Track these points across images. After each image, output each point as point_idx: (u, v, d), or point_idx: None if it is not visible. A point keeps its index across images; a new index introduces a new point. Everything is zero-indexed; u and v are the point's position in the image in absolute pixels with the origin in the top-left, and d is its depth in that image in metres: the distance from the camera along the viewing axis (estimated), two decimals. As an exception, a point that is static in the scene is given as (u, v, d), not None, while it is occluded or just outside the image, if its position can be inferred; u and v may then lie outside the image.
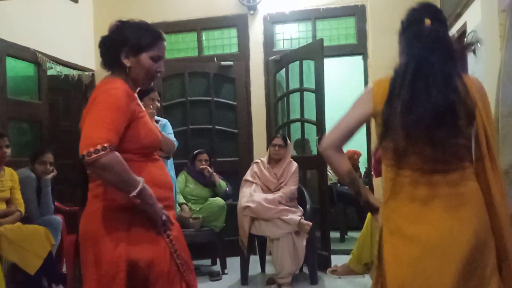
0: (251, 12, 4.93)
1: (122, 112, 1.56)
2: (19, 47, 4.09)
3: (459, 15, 3.78)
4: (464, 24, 3.66)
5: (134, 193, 1.51)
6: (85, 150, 1.46)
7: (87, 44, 4.99)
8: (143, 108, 1.74)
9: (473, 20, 3.41)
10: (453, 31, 3.93)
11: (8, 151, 3.33)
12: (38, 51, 4.26)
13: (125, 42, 1.64)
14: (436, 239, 1.47)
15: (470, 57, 3.54)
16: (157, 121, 3.49)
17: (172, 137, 3.51)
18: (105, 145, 1.46)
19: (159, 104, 3.46)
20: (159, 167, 1.74)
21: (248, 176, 3.93)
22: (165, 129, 3.52)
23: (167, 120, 3.61)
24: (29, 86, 4.35)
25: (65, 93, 5.11)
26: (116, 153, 1.50)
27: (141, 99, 3.52)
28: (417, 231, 1.49)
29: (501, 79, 2.33)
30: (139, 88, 1.77)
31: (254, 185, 3.83)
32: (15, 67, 4.14)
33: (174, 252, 1.65)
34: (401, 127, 1.46)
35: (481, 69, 3.16)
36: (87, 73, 5.01)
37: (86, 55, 4.96)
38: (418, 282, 1.46)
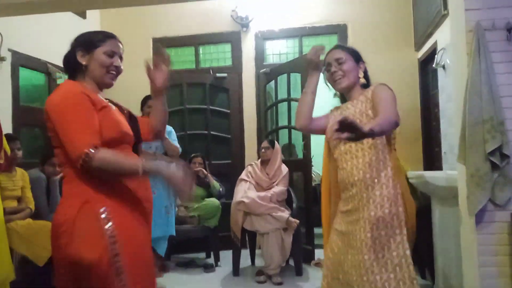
0: (244, 29, 4.94)
1: (87, 109, 1.45)
2: (31, 59, 4.05)
3: (430, 34, 3.83)
4: (435, 43, 3.71)
5: (140, 174, 1.41)
6: (77, 161, 1.37)
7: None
8: (105, 101, 1.58)
9: (443, 39, 3.45)
10: (425, 48, 3.98)
11: (20, 153, 3.30)
12: (48, 62, 4.22)
13: (79, 43, 1.58)
14: None
15: (440, 72, 3.59)
16: None
17: (176, 143, 3.50)
18: (90, 149, 1.37)
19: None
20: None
21: (243, 175, 3.96)
22: (171, 135, 3.51)
23: (172, 128, 3.60)
24: (40, 94, 4.31)
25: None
26: (102, 150, 1.39)
27: (141, 109, 3.53)
28: None
29: (467, 93, 2.36)
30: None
31: (248, 183, 3.86)
32: (27, 77, 4.11)
33: (114, 256, 1.40)
34: None
35: (450, 83, 3.20)
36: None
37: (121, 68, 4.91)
38: None
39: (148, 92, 4.53)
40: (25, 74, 4.04)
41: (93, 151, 1.37)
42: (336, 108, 2.03)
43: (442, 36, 3.49)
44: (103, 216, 1.42)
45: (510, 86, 2.36)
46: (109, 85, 1.62)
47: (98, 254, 1.39)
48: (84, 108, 1.45)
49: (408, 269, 1.65)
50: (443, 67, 3.48)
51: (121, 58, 1.64)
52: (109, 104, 1.59)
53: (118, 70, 1.62)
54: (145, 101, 3.49)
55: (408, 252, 1.66)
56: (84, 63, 1.56)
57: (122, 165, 1.43)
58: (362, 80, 1.89)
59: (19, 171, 3.33)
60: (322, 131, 2.04)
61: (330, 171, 1.99)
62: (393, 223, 1.68)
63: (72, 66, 1.59)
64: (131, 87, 4.89)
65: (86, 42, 1.57)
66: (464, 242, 2.53)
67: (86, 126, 1.42)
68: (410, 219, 1.79)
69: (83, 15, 4.83)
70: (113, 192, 1.48)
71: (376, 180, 1.73)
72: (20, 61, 3.93)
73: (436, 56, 3.56)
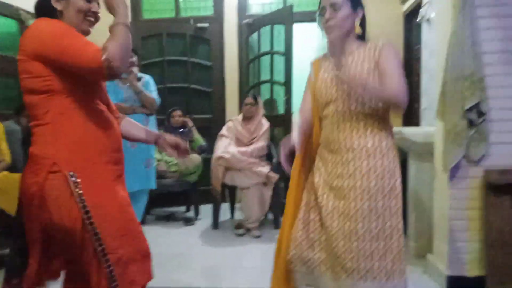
0: (226, -24, 4.73)
1: (77, 33, 1.40)
2: (2, 4, 3.83)
3: (416, -14, 3.73)
4: (421, -5, 3.62)
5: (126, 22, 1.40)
6: (102, 70, 1.31)
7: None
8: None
9: (429, -9, 3.36)
10: (410, 1, 3.89)
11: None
12: (20, 8, 4.00)
13: None
14: None
15: (424, 26, 3.53)
16: (139, 78, 3.37)
17: (155, 94, 3.40)
18: (103, 54, 1.31)
19: (134, 59, 3.32)
20: (109, 123, 1.52)
21: (223, 131, 3.93)
22: (148, 86, 3.41)
23: (150, 77, 3.49)
24: (12, 42, 4.12)
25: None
26: (105, 45, 1.34)
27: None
28: None
29: (450, 47, 2.33)
30: None
31: (228, 139, 3.84)
32: (3, 25, 3.89)
33: (87, 220, 1.37)
34: None
35: (434, 37, 3.16)
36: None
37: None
38: None
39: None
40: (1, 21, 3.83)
41: (106, 54, 1.31)
42: (323, 61, 1.83)
43: (429, -11, 3.40)
44: (72, 180, 1.37)
45: (493, 42, 2.34)
46: (86, 33, 1.51)
47: (72, 221, 1.36)
48: (76, 33, 1.39)
49: (398, 240, 1.64)
50: (428, 21, 3.42)
51: (98, 4, 1.54)
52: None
53: (96, 17, 1.53)
54: None
55: (401, 224, 1.66)
56: (59, 8, 1.46)
57: (123, 39, 1.37)
58: (358, 30, 1.70)
59: (-6, 124, 3.24)
60: None
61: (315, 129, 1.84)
62: (391, 195, 1.64)
63: (45, 11, 1.47)
64: (107, 35, 4.72)
65: None
66: (437, 195, 2.60)
67: (87, 42, 1.37)
68: None
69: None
70: (82, 151, 1.42)
71: (378, 149, 1.66)
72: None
73: (421, 9, 3.49)
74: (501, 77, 2.34)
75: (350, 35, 1.72)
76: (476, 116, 2.31)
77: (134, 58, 3.32)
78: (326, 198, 1.73)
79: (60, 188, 1.37)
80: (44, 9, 1.48)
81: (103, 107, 1.53)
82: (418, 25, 3.75)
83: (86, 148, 1.42)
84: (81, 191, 1.37)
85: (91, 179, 1.41)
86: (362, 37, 1.75)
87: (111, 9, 1.43)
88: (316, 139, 1.85)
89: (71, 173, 1.37)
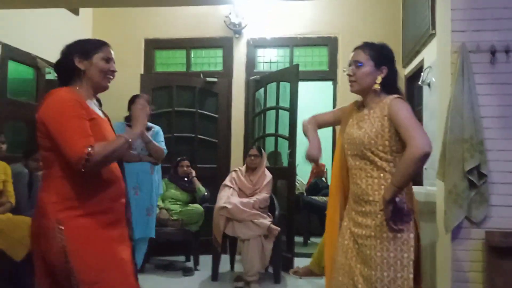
0: (236, 35, 4.98)
1: (80, 115, 1.55)
2: (20, 52, 4.02)
3: (417, 52, 3.91)
4: (422, 61, 3.79)
5: (130, 146, 1.62)
6: (80, 163, 1.48)
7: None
8: (97, 112, 1.69)
9: (430, 57, 3.53)
10: (412, 65, 4.06)
11: (4, 147, 3.27)
12: (38, 57, 4.19)
13: (76, 50, 1.67)
14: None
15: (425, 89, 3.66)
16: (149, 128, 3.45)
17: (162, 144, 3.47)
18: (88, 149, 1.48)
19: (148, 109, 3.43)
20: (110, 175, 1.67)
21: (227, 181, 3.96)
22: (157, 136, 3.48)
23: (159, 128, 3.57)
24: (27, 88, 4.28)
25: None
26: (96, 145, 1.50)
27: (129, 109, 3.53)
28: None
29: (450, 111, 2.43)
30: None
31: (231, 189, 3.87)
32: (16, 70, 4.07)
33: (63, 248, 1.52)
34: None
35: (434, 100, 3.27)
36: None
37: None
38: None
39: (137, 91, 4.57)
40: (14, 67, 4.00)
41: (90, 149, 1.48)
42: (356, 111, 1.93)
43: (429, 55, 3.57)
44: (56, 226, 1.52)
45: (491, 108, 2.43)
46: (105, 88, 1.74)
47: (57, 262, 1.53)
48: (78, 114, 1.55)
49: None
50: (429, 85, 3.56)
51: (114, 62, 1.75)
52: (99, 114, 1.71)
53: (114, 75, 1.74)
54: (133, 100, 3.48)
55: (411, 275, 1.69)
56: (82, 68, 1.65)
57: (115, 147, 1.56)
58: (376, 87, 1.79)
59: (2, 164, 3.29)
60: (329, 125, 2.14)
61: (343, 177, 1.95)
62: (403, 248, 1.71)
63: (67, 71, 1.67)
64: (122, 86, 4.87)
65: (84, 49, 1.67)
66: (440, 256, 2.59)
67: (81, 131, 1.52)
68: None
69: (75, 11, 4.82)
70: (69, 203, 1.55)
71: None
72: (10, 54, 3.89)
73: (422, 73, 3.64)
74: (501, 141, 2.41)
75: (369, 91, 1.83)
76: (477, 178, 2.36)
77: (148, 108, 3.43)
78: (352, 243, 1.82)
79: (48, 228, 1.53)
80: (65, 69, 1.68)
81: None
82: (420, 88, 3.89)
83: (73, 201, 1.56)
84: (63, 236, 1.52)
85: (73, 226, 1.54)
86: (393, 92, 1.82)
87: (134, 119, 1.73)
88: (345, 185, 1.95)
89: (57, 221, 1.53)
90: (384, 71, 1.81)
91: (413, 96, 4.37)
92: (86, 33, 5.03)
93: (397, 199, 1.68)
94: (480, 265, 2.37)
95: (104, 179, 1.63)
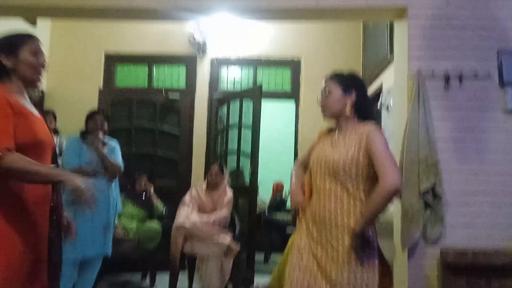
0: (200, 54, 4.98)
1: (4, 114, 1.49)
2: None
3: (376, 76, 4.07)
4: (381, 85, 3.94)
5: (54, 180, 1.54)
6: None
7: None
8: (30, 109, 1.63)
9: (388, 82, 3.68)
10: (372, 89, 4.22)
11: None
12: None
13: (0, 47, 1.60)
14: None
15: (383, 113, 3.81)
16: (105, 143, 3.36)
17: (119, 160, 3.38)
18: (2, 151, 1.43)
19: (105, 126, 3.35)
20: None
21: (186, 198, 3.89)
22: (114, 151, 3.39)
23: (117, 143, 3.48)
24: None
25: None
26: (14, 154, 1.46)
27: (86, 124, 3.41)
28: None
29: (406, 134, 2.53)
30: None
31: (190, 207, 3.80)
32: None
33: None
34: None
35: (392, 124, 3.40)
36: (36, 93, 4.75)
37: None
38: None
39: (95, 105, 4.44)
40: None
41: (3, 153, 1.42)
42: (326, 134, 2.00)
43: (388, 79, 3.71)
44: None
45: (445, 131, 2.56)
46: (37, 83, 1.66)
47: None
48: (3, 113, 1.48)
49: None
50: (387, 108, 3.70)
51: (44, 54, 1.67)
52: (32, 111, 1.62)
53: (44, 68, 1.66)
54: (90, 116, 3.39)
55: None
56: (9, 66, 1.58)
57: (34, 170, 1.48)
58: (347, 112, 1.86)
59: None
60: None
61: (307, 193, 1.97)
62: (369, 271, 1.76)
63: None
64: (80, 100, 4.76)
65: (8, 45, 1.60)
66: (397, 273, 2.65)
67: (1, 130, 1.45)
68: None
69: (33, 21, 4.65)
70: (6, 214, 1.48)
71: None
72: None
73: (381, 97, 3.78)
74: (454, 163, 2.53)
75: (341, 116, 1.89)
76: (431, 198, 2.46)
77: (105, 124, 3.35)
78: (312, 262, 1.83)
79: None
80: None
81: (45, 153, 1.63)
82: (378, 111, 4.04)
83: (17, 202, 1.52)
84: None
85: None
86: (367, 116, 1.90)
87: (71, 183, 1.53)
88: (307, 204, 1.95)
89: None
90: (354, 96, 1.88)
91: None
92: (44, 45, 4.86)
93: (364, 231, 1.73)
94: (435, 283, 2.45)
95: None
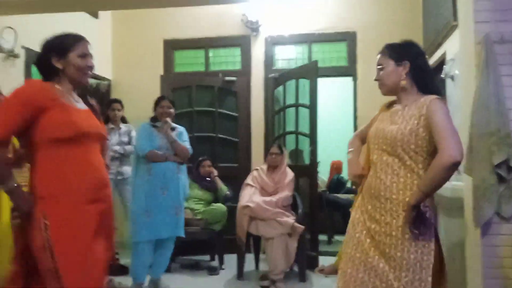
0: (254, 33, 4.97)
1: (17, 109, 1.60)
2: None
3: (439, 45, 3.83)
4: (444, 53, 3.71)
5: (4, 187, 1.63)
6: None
7: (105, 56, 5.04)
8: (74, 105, 1.74)
9: (452, 49, 3.46)
10: (434, 58, 3.99)
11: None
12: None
13: (51, 49, 1.71)
14: None
15: (448, 82, 3.60)
16: (173, 128, 3.49)
17: (187, 144, 3.51)
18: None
19: (172, 111, 3.48)
20: (86, 159, 1.70)
21: (248, 180, 3.97)
22: (181, 136, 3.53)
23: (184, 128, 3.61)
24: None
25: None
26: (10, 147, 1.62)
27: (155, 110, 3.56)
28: None
29: (475, 104, 2.38)
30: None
31: (253, 188, 3.88)
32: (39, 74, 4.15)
33: (48, 246, 1.58)
34: None
35: (458, 94, 3.21)
36: (104, 82, 5.03)
37: (104, 65, 4.98)
38: None
39: (158, 91, 4.61)
40: (36, 70, 4.08)
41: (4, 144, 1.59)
42: (386, 108, 1.94)
43: (451, 47, 3.49)
44: (43, 217, 1.59)
45: (518, 99, 2.37)
46: (85, 84, 1.77)
47: (36, 245, 1.59)
48: (15, 105, 1.60)
49: None
50: (452, 77, 3.49)
51: (91, 56, 1.78)
52: (77, 105, 1.73)
53: (92, 70, 1.77)
54: (158, 101, 3.53)
55: (430, 278, 1.68)
56: (60, 67, 1.70)
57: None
58: (403, 83, 1.79)
59: (30, 168, 3.37)
60: None
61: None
62: (424, 250, 1.69)
63: (46, 68, 1.72)
64: (143, 87, 4.97)
65: (59, 48, 1.70)
66: (469, 253, 2.54)
67: (5, 118, 1.59)
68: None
69: (95, 15, 4.89)
70: (60, 193, 1.62)
71: None
72: (33, 58, 3.96)
73: (445, 66, 3.57)
74: (529, 134, 2.34)
75: (398, 89, 1.83)
76: (506, 172, 2.30)
77: (172, 110, 3.47)
78: (365, 236, 1.80)
79: (33, 217, 1.60)
80: (45, 67, 1.73)
81: (93, 145, 1.73)
82: (443, 81, 3.82)
83: (56, 190, 1.63)
84: (48, 233, 1.57)
85: (59, 219, 1.59)
86: (429, 88, 1.80)
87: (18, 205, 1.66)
88: (364, 176, 1.91)
89: (43, 215, 1.58)
90: (407, 66, 1.80)
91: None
92: (106, 36, 5.11)
93: (421, 205, 1.66)
94: (511, 261, 2.32)
95: (79, 170, 1.66)
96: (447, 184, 3.10)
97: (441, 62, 3.78)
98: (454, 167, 1.59)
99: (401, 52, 1.83)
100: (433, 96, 1.73)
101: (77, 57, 1.70)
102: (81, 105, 1.78)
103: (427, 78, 1.82)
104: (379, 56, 1.89)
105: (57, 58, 1.69)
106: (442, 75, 3.62)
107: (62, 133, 1.62)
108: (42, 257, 1.58)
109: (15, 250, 1.66)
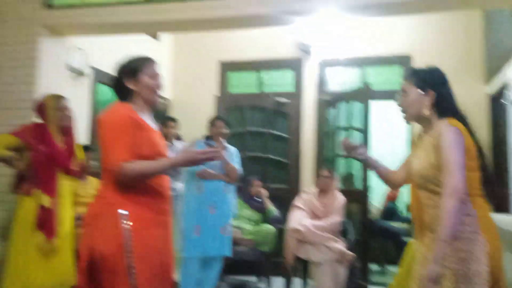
0: (307, 56, 5.01)
1: (126, 131, 1.68)
2: (108, 75, 4.36)
3: (501, 70, 3.68)
4: (506, 78, 3.55)
5: (172, 171, 1.73)
6: (113, 172, 1.64)
7: (165, 76, 5.26)
8: (149, 123, 1.81)
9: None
10: (495, 83, 3.82)
11: (94, 163, 3.53)
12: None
13: (123, 70, 1.80)
14: None
15: (510, 108, 3.43)
16: (226, 148, 3.57)
17: (238, 165, 3.57)
18: (122, 163, 1.63)
19: (226, 131, 3.56)
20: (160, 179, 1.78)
21: (298, 202, 3.92)
22: (233, 157, 3.59)
23: (235, 149, 3.68)
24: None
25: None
26: (133, 162, 1.65)
27: (210, 129, 3.66)
28: None
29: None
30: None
31: (303, 211, 3.82)
32: (104, 92, 4.40)
33: (127, 253, 1.59)
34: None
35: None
36: (163, 101, 5.23)
37: (164, 85, 5.18)
38: None
39: (212, 111, 4.73)
40: (102, 89, 4.34)
41: (124, 164, 1.62)
42: (419, 137, 1.90)
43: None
44: (123, 217, 1.62)
45: None
46: (155, 103, 1.85)
47: (111, 249, 1.59)
48: (124, 129, 1.68)
49: None
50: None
51: (160, 76, 1.88)
52: (152, 126, 1.82)
53: (160, 88, 1.86)
54: (213, 121, 3.63)
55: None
56: (132, 87, 1.79)
57: (151, 167, 1.68)
58: (425, 112, 1.74)
59: (93, 180, 3.54)
60: None
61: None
62: (475, 281, 1.59)
63: (121, 90, 1.82)
64: (198, 107, 5.13)
65: (130, 69, 1.81)
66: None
67: (122, 145, 1.65)
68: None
69: (155, 36, 5.15)
70: (137, 201, 1.68)
71: (461, 233, 1.61)
72: (99, 77, 4.24)
73: (506, 92, 3.41)
74: None
75: (421, 117, 1.78)
76: None
77: (226, 130, 3.56)
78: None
79: (109, 221, 1.63)
80: (119, 88, 1.82)
81: None
82: (504, 106, 3.64)
83: (140, 196, 1.70)
84: (129, 228, 1.60)
85: (140, 221, 1.65)
86: (446, 112, 1.74)
87: (186, 156, 1.74)
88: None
89: (123, 212, 1.62)
90: (432, 95, 1.75)
91: (498, 116, 4.10)
92: (167, 57, 5.36)
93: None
94: None
95: (155, 189, 1.74)
96: (510, 218, 2.93)
97: (502, 87, 3.63)
98: (457, 206, 1.56)
99: (426, 80, 1.77)
100: (443, 124, 1.69)
101: (147, 77, 1.80)
102: (154, 125, 1.87)
103: (449, 106, 1.76)
104: (404, 81, 1.84)
105: (129, 79, 1.79)
106: (504, 101, 3.47)
107: (145, 151, 1.71)
108: (117, 257, 1.58)
109: (80, 260, 1.70)
